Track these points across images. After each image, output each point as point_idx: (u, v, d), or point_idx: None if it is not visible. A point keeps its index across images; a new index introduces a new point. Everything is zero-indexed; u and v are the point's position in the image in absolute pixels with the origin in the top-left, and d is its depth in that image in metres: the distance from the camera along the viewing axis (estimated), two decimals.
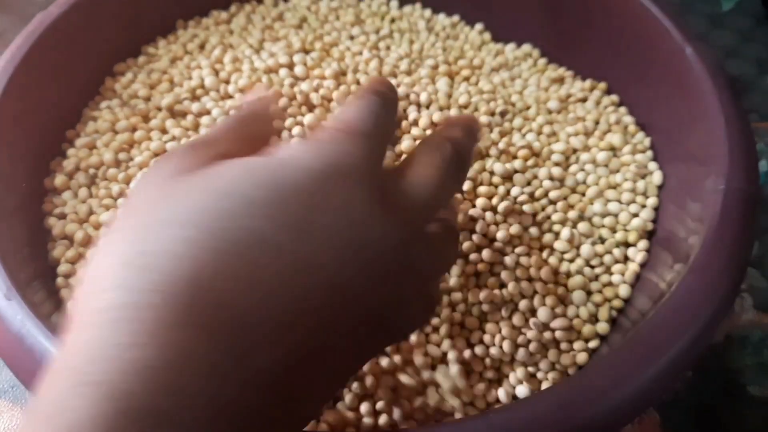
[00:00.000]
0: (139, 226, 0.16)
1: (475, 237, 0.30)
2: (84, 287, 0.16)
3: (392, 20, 0.40)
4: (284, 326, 0.16)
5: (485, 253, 0.30)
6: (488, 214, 0.30)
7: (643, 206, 0.32)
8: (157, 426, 0.13)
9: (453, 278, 0.29)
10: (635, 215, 0.31)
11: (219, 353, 0.14)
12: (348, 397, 0.26)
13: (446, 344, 0.28)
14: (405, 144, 0.31)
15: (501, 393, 0.27)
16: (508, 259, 0.30)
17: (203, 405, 0.14)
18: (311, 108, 0.32)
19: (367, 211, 0.18)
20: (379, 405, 0.26)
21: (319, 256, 0.16)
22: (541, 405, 0.21)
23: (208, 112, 0.32)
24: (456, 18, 0.41)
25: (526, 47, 0.40)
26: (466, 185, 0.31)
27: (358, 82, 0.34)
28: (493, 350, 0.28)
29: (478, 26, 0.41)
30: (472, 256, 0.30)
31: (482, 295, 0.29)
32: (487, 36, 0.40)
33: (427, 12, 0.41)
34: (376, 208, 0.18)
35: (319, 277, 0.16)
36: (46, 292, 0.27)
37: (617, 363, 0.22)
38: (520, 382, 0.28)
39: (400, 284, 0.19)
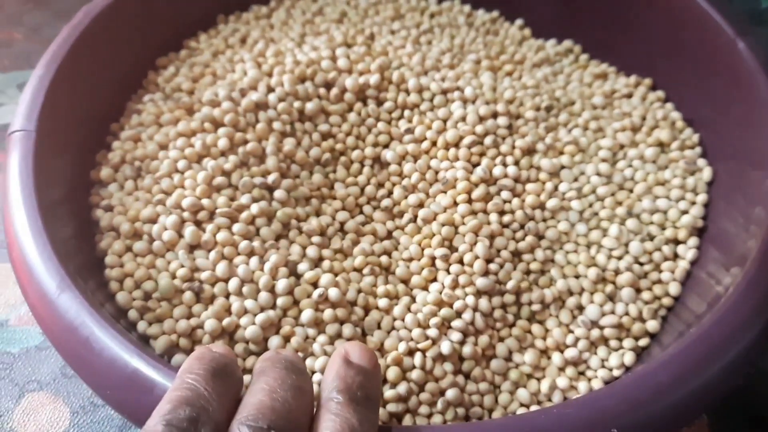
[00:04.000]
0: None
1: (529, 238, 0.30)
2: None
3: (432, 15, 0.40)
4: None
5: (538, 253, 0.29)
6: (537, 212, 0.30)
7: (693, 203, 0.31)
8: None
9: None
10: (685, 212, 0.31)
11: None
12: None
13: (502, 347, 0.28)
14: (450, 134, 0.31)
15: (556, 395, 0.27)
16: (558, 257, 0.30)
17: None
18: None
19: None
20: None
21: None
22: (605, 400, 0.21)
23: None
24: (495, 13, 0.41)
25: (567, 43, 0.39)
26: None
27: (402, 78, 0.33)
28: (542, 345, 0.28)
29: (518, 22, 0.40)
30: (526, 256, 0.29)
31: (534, 295, 0.29)
32: (527, 32, 0.40)
33: (467, 7, 0.41)
34: None
35: None
36: (95, 283, 0.27)
37: (680, 361, 0.22)
38: (570, 380, 0.27)
39: None
